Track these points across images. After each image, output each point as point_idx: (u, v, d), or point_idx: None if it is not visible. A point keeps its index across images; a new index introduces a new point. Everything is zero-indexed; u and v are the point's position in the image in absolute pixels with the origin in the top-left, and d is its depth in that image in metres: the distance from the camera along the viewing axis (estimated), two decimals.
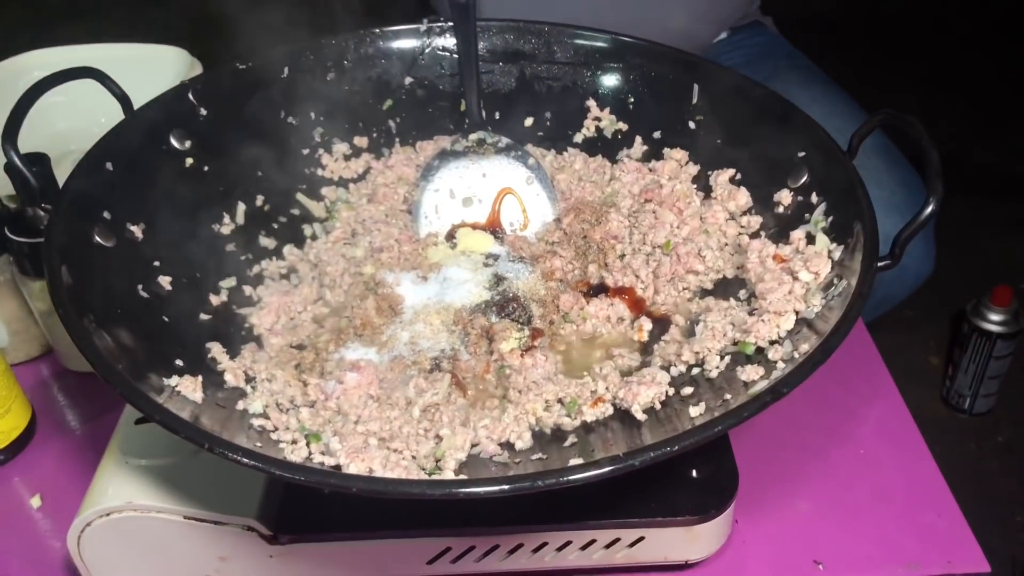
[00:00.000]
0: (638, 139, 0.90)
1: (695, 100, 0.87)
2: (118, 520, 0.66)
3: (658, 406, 0.65)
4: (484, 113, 0.89)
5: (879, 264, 0.64)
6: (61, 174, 0.74)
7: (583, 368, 0.71)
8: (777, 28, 1.52)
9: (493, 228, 0.85)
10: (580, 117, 0.93)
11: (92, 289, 0.64)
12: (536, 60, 0.93)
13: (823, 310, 0.64)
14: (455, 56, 0.92)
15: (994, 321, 1.69)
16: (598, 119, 0.92)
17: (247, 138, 0.86)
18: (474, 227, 0.85)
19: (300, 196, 0.88)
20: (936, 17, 3.08)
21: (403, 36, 0.93)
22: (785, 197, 0.77)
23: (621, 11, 1.22)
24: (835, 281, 0.65)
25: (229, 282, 0.77)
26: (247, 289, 0.78)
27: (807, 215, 0.74)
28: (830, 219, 0.71)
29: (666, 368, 0.69)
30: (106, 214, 0.71)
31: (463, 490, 0.48)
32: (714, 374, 0.66)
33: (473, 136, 0.88)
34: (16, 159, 0.68)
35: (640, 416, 0.64)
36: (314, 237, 0.85)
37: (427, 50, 0.94)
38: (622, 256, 0.80)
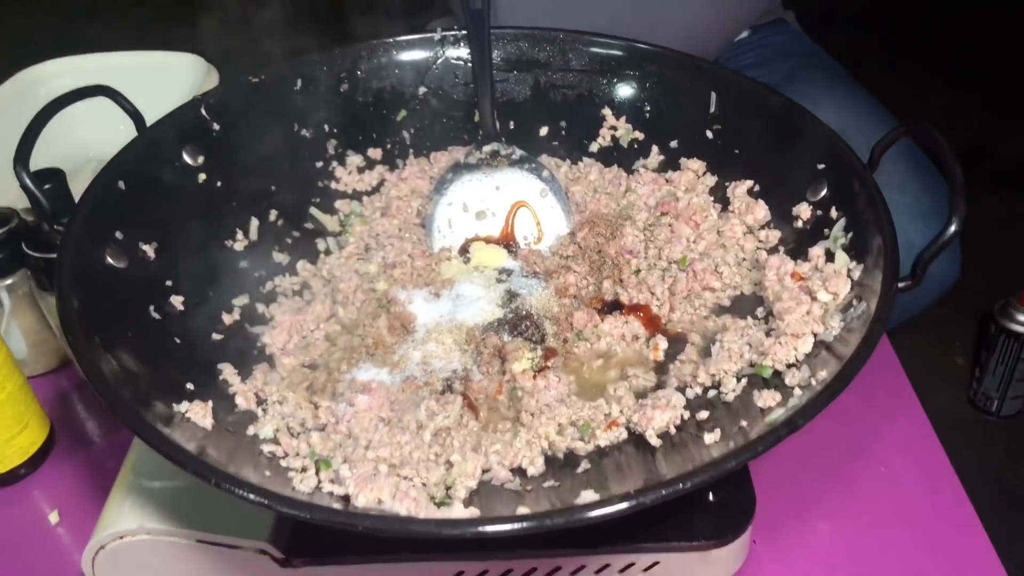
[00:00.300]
0: (655, 149, 0.89)
1: (713, 108, 0.85)
2: (131, 543, 0.66)
3: (673, 431, 0.64)
4: (498, 124, 0.88)
5: (900, 285, 0.62)
6: (80, 182, 0.74)
7: (597, 388, 0.71)
8: (800, 21, 1.50)
9: (507, 242, 0.84)
10: (596, 126, 0.92)
11: (103, 313, 0.64)
12: (551, 68, 0.92)
13: (842, 332, 0.63)
14: (469, 65, 0.91)
15: (1023, 323, 1.66)
16: (614, 128, 0.91)
17: (260, 152, 0.85)
18: (487, 241, 0.84)
19: (313, 210, 0.87)
20: (964, 6, 3.02)
21: (416, 46, 0.92)
22: (804, 211, 0.75)
23: (640, 13, 1.20)
24: (854, 303, 0.64)
25: (242, 300, 0.77)
26: (260, 307, 0.78)
27: (826, 230, 0.72)
28: (850, 235, 0.70)
29: (681, 390, 0.68)
30: (118, 234, 0.71)
31: (469, 530, 0.47)
32: (730, 398, 0.65)
33: (487, 148, 0.87)
34: (28, 181, 0.68)
35: (654, 441, 0.63)
36: (328, 252, 0.85)
37: (440, 59, 0.93)
38: (637, 271, 0.79)
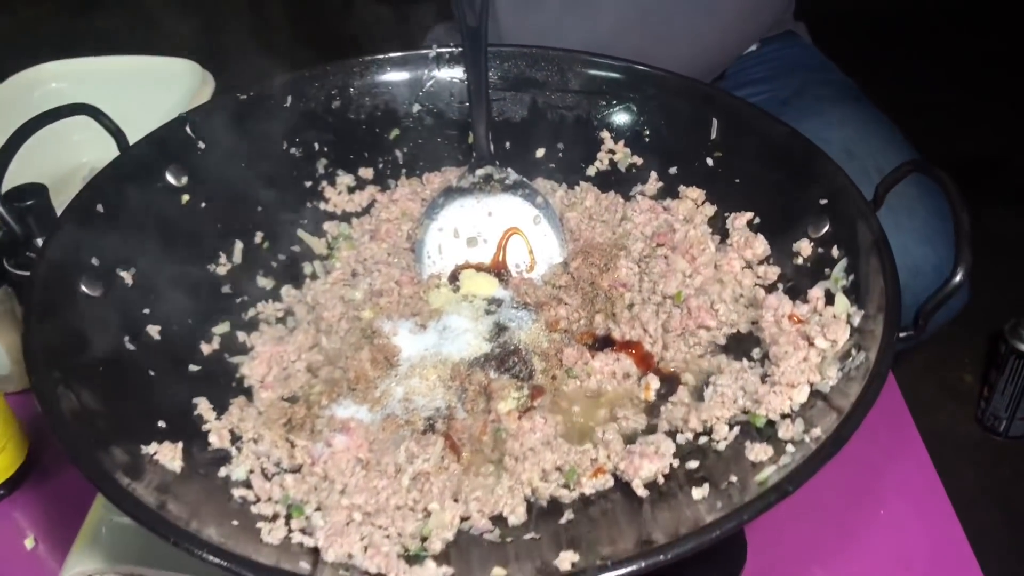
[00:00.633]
0: (653, 175, 0.86)
1: (714, 135, 0.83)
2: None
3: (661, 480, 0.61)
4: (493, 144, 0.86)
5: (901, 335, 0.59)
6: (73, 189, 0.72)
7: (585, 429, 0.68)
8: (811, 31, 1.46)
9: (498, 270, 0.82)
10: (593, 149, 0.89)
11: (74, 346, 0.62)
12: (549, 88, 0.90)
13: (839, 383, 0.60)
14: (465, 83, 0.88)
15: None
16: (612, 152, 0.88)
17: (247, 171, 0.83)
18: (478, 268, 0.82)
19: (301, 232, 0.85)
20: (980, 15, 2.97)
21: (411, 63, 0.90)
22: (805, 248, 0.73)
23: (645, 28, 1.17)
24: (853, 352, 0.61)
25: (222, 327, 0.75)
26: (240, 335, 0.75)
27: (827, 270, 0.70)
28: (851, 278, 0.67)
29: (672, 435, 0.65)
30: (94, 260, 0.69)
31: None
32: (722, 447, 0.62)
33: (480, 171, 0.84)
34: (1, 208, 0.66)
35: (641, 492, 0.60)
36: (314, 276, 0.83)
37: (436, 77, 0.90)
38: (631, 306, 0.76)
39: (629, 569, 0.46)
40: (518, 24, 1.18)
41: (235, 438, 0.66)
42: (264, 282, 0.81)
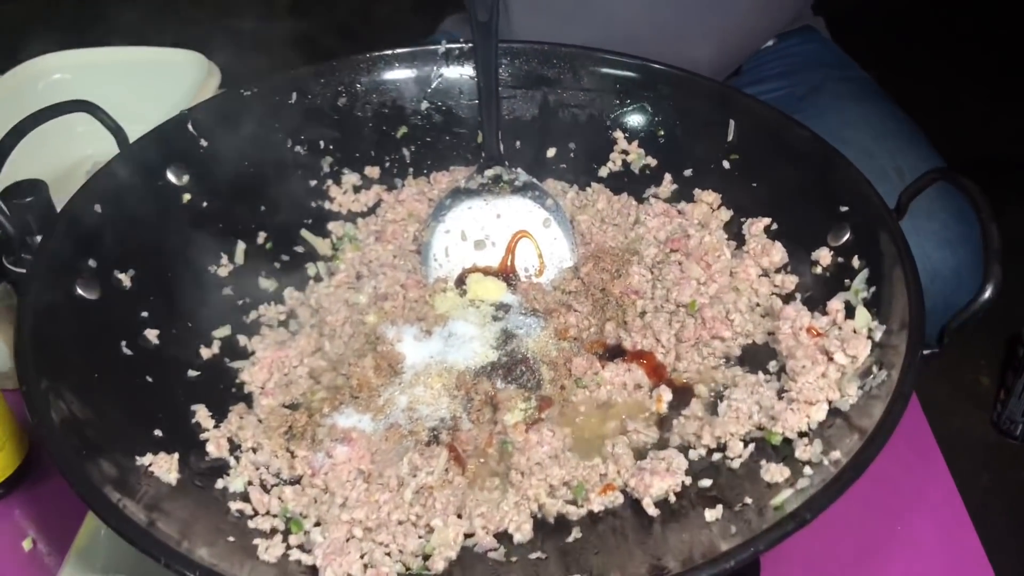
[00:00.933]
0: (667, 177, 0.84)
1: (731, 137, 0.80)
2: None
3: (672, 498, 0.59)
4: (503, 144, 0.83)
5: (924, 352, 0.57)
6: (75, 184, 0.71)
7: (594, 441, 0.66)
8: (830, 25, 1.43)
9: (506, 274, 0.79)
10: (606, 150, 0.87)
11: (68, 352, 0.60)
12: (561, 86, 0.87)
13: (860, 402, 0.58)
14: (475, 80, 0.86)
15: None
16: (625, 152, 0.86)
17: (250, 170, 0.81)
18: (486, 272, 0.79)
19: (305, 232, 0.83)
20: (1003, 9, 2.91)
21: (419, 59, 0.87)
22: (824, 256, 0.70)
23: (660, 24, 1.14)
24: (874, 369, 0.59)
25: (223, 331, 0.73)
26: (241, 339, 0.74)
27: (847, 281, 0.67)
28: (872, 290, 0.64)
29: (684, 450, 0.63)
30: (91, 263, 0.67)
31: None
32: (736, 464, 0.60)
33: (489, 172, 0.82)
34: None
35: (652, 511, 0.58)
36: (317, 278, 0.81)
37: (445, 74, 0.88)
38: (643, 314, 0.74)
39: None
40: (530, 20, 1.16)
41: (233, 447, 0.64)
42: (266, 284, 0.79)
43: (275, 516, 0.58)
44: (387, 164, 0.88)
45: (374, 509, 0.58)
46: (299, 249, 0.82)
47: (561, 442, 0.64)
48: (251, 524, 0.57)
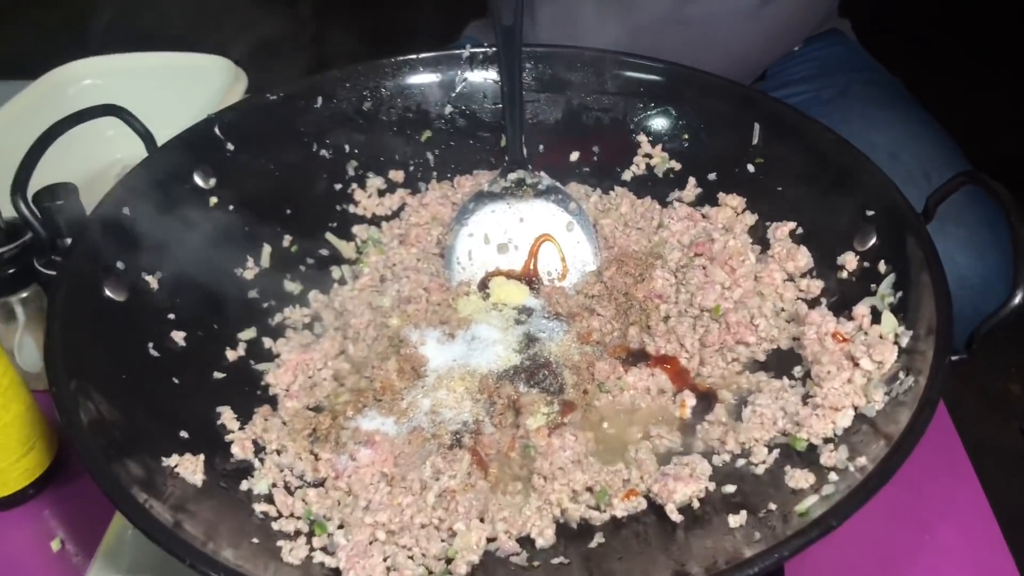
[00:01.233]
0: (691, 180, 0.83)
1: (755, 141, 0.80)
2: None
3: (696, 504, 0.59)
4: (526, 148, 0.83)
5: (953, 359, 0.56)
6: (105, 187, 0.72)
7: (617, 446, 0.66)
8: (856, 29, 1.41)
9: (529, 277, 0.80)
10: (630, 153, 0.87)
11: (97, 354, 0.61)
12: (585, 90, 0.87)
13: (886, 408, 0.57)
14: (499, 84, 0.86)
15: None
16: (649, 156, 0.86)
17: (276, 174, 0.82)
18: (508, 276, 0.80)
19: (329, 235, 0.83)
20: None
21: (443, 63, 0.88)
22: (850, 261, 0.70)
23: (685, 28, 1.14)
24: (901, 375, 0.58)
25: (248, 333, 0.74)
26: (267, 342, 0.74)
27: (873, 286, 0.66)
28: (899, 295, 0.64)
29: (708, 455, 0.63)
30: (120, 264, 0.68)
31: None
32: (760, 470, 0.60)
33: (512, 176, 0.82)
34: (26, 211, 0.66)
35: (675, 517, 0.58)
36: (342, 281, 0.81)
37: (469, 78, 0.88)
38: (666, 318, 0.74)
39: None
40: (551, 31, 1.16)
41: (258, 449, 0.64)
42: (291, 287, 0.79)
43: (299, 518, 0.58)
44: (411, 168, 0.88)
45: (397, 512, 0.58)
46: (324, 252, 0.83)
47: (584, 447, 0.64)
48: (275, 526, 0.57)
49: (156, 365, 0.66)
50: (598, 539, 0.58)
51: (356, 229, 0.85)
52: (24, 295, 0.92)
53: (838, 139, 0.73)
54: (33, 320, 0.93)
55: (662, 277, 0.75)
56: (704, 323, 0.72)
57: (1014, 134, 2.33)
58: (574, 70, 0.87)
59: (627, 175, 0.87)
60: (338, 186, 0.86)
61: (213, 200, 0.77)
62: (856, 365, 0.61)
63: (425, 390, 0.69)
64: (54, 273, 0.84)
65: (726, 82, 0.82)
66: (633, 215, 0.83)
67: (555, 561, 0.57)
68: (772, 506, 0.55)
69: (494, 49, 0.86)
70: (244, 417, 0.66)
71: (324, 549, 0.56)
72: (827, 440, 0.59)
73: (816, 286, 0.71)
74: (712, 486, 0.60)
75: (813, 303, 0.71)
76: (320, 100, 0.84)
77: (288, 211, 0.82)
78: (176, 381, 0.66)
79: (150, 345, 0.66)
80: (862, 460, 0.54)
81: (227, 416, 0.66)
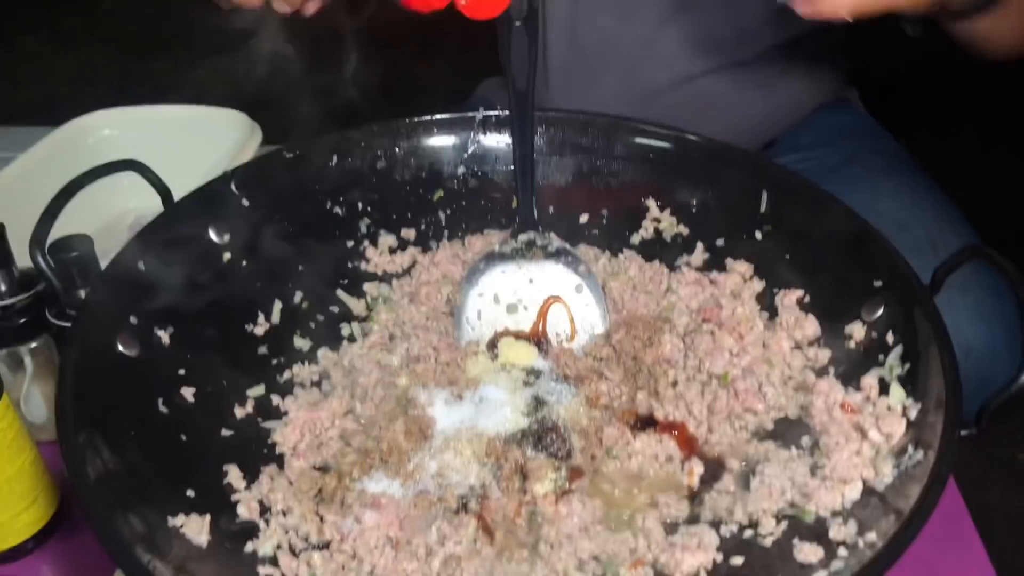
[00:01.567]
0: (700, 246, 0.84)
1: (763, 208, 0.81)
2: None
3: (703, 575, 0.58)
4: (537, 209, 0.84)
5: (962, 433, 0.56)
6: (117, 236, 0.73)
7: (624, 514, 0.65)
8: (863, 98, 1.44)
9: (538, 339, 0.80)
10: (639, 217, 0.88)
11: (107, 409, 0.61)
12: (595, 154, 0.88)
13: (895, 482, 0.57)
14: (510, 146, 0.87)
15: None
16: (657, 220, 0.87)
17: (290, 230, 0.83)
18: (518, 336, 0.80)
19: (340, 292, 0.84)
20: None
21: (457, 125, 0.89)
22: (858, 331, 0.70)
23: (694, 99, 1.16)
24: (910, 449, 0.58)
25: (257, 390, 0.74)
26: (275, 399, 0.74)
27: (881, 356, 0.67)
28: (907, 367, 0.64)
29: (715, 525, 0.62)
30: (133, 319, 0.68)
31: None
32: (768, 542, 0.59)
33: (523, 237, 0.83)
34: (44, 265, 0.66)
35: None
36: (351, 338, 0.81)
37: (482, 140, 0.90)
38: (675, 384, 0.74)
39: None
40: (564, 97, 1.18)
41: (264, 509, 0.64)
42: (301, 343, 0.80)
43: None
44: (423, 226, 0.89)
45: None
46: (334, 309, 0.83)
47: (591, 514, 0.64)
48: None
49: (165, 421, 0.66)
50: None
51: (367, 286, 0.85)
52: (33, 345, 0.92)
53: (846, 209, 0.74)
54: (40, 370, 0.93)
55: (671, 342, 0.75)
56: (713, 390, 0.72)
57: (1021, 203, 2.35)
58: (585, 135, 0.88)
59: (636, 238, 0.88)
60: (350, 243, 0.87)
61: (227, 255, 0.78)
62: (865, 437, 0.61)
63: (432, 452, 0.69)
64: (66, 324, 0.85)
65: (735, 150, 0.84)
66: (642, 279, 0.84)
67: None
68: None
69: (506, 113, 0.87)
70: (251, 476, 0.66)
71: None
72: (835, 513, 0.58)
73: (824, 355, 0.72)
74: (720, 557, 0.59)
75: (821, 372, 0.71)
76: (335, 158, 0.86)
77: (300, 267, 0.83)
78: (184, 438, 0.66)
79: (160, 401, 0.67)
80: (871, 535, 0.53)
81: (234, 475, 0.66)
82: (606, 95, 1.17)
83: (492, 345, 0.80)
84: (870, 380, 0.65)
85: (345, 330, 0.82)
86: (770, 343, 0.73)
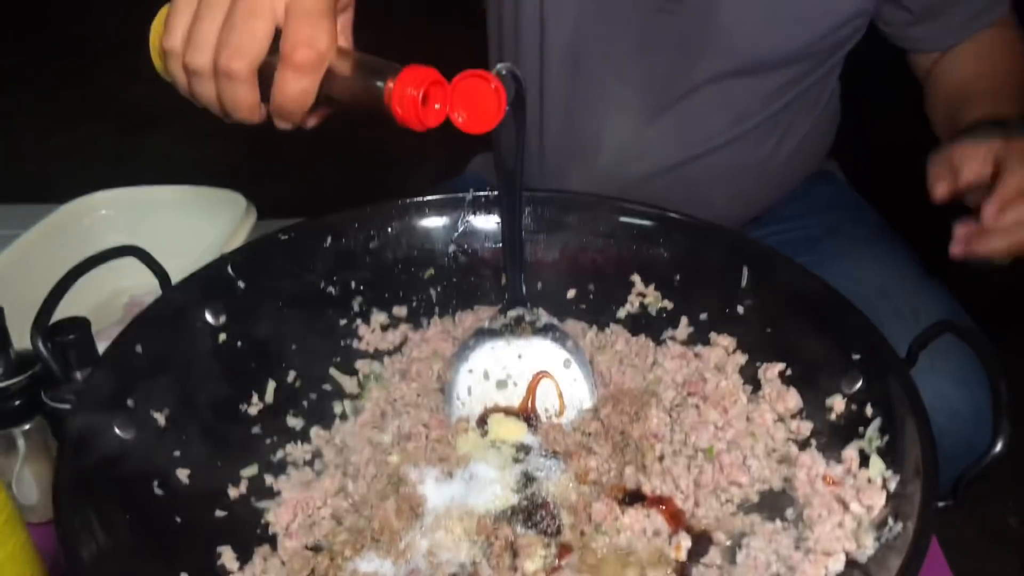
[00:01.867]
0: (684, 320, 0.86)
1: (744, 283, 0.83)
2: None
3: None
4: (525, 285, 0.87)
5: (939, 504, 0.58)
6: (111, 315, 0.74)
7: None
8: (844, 169, 1.48)
9: (527, 414, 0.81)
10: (624, 292, 0.90)
11: (102, 492, 0.62)
12: (582, 232, 0.91)
13: (877, 553, 0.58)
14: (499, 225, 0.90)
15: None
16: (643, 295, 0.89)
17: (284, 310, 0.85)
18: (507, 412, 0.81)
19: (333, 370, 0.86)
20: None
21: (448, 205, 0.92)
22: (838, 404, 0.72)
23: (679, 183, 1.19)
24: (890, 521, 0.59)
25: (250, 470, 0.75)
26: (268, 478, 0.75)
27: (861, 428, 0.68)
28: (885, 439, 0.66)
29: None
30: (130, 402, 0.70)
31: None
32: None
33: (511, 313, 0.85)
34: (43, 349, 0.68)
35: None
36: (343, 416, 0.83)
37: (471, 220, 0.92)
38: (661, 458, 0.75)
39: None
40: (563, 177, 1.21)
41: None
42: (294, 422, 0.81)
43: None
44: (414, 303, 0.91)
45: None
46: (327, 387, 0.85)
47: None
48: None
49: (160, 503, 0.67)
50: None
51: (359, 364, 0.87)
52: (27, 427, 0.93)
53: (824, 285, 0.77)
54: (33, 452, 0.94)
55: (657, 416, 0.77)
56: (698, 463, 0.73)
57: (1000, 271, 2.39)
58: (571, 213, 0.91)
59: (622, 312, 0.90)
60: (343, 321, 0.89)
61: (222, 337, 0.80)
62: (846, 509, 0.63)
63: (423, 531, 0.70)
64: (61, 406, 0.86)
65: (714, 226, 0.86)
66: (628, 353, 0.86)
67: None
68: None
69: (495, 193, 0.90)
70: (244, 557, 0.67)
71: None
72: None
73: (806, 427, 0.73)
74: None
75: (803, 444, 0.72)
76: (329, 239, 0.88)
77: (293, 346, 0.84)
78: (178, 520, 0.67)
79: (155, 483, 0.67)
80: None
81: (227, 556, 0.66)
82: (600, 177, 1.20)
83: (482, 421, 0.81)
84: (851, 452, 0.67)
85: (337, 408, 0.84)
86: (753, 416, 0.75)
